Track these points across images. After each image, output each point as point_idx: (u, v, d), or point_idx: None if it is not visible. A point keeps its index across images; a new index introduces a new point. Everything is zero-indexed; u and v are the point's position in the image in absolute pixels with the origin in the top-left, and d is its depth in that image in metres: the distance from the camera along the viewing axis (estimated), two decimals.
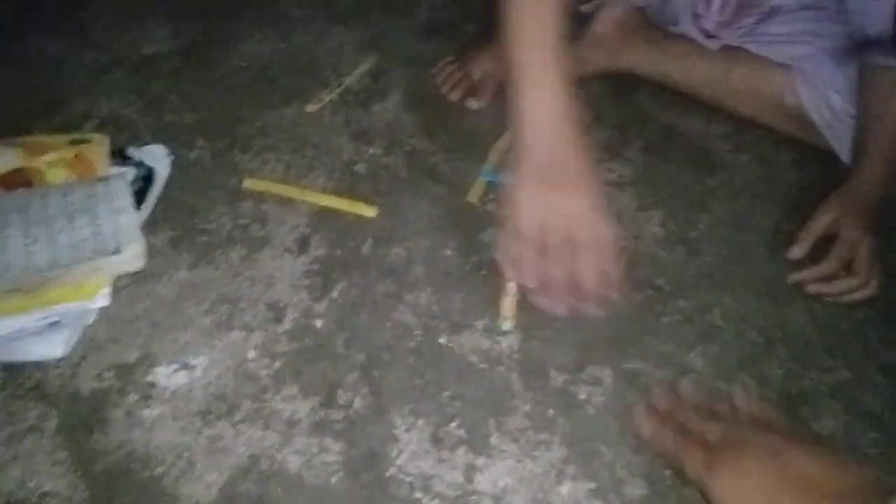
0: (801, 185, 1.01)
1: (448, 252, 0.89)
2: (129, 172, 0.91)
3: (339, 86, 1.10)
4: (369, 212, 0.93)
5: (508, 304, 0.82)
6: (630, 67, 1.11)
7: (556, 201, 0.70)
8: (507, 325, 0.81)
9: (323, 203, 0.93)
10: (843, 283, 0.86)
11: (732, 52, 1.05)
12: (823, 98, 0.98)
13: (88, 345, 0.78)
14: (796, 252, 0.89)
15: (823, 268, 0.86)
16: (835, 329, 0.85)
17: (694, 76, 1.08)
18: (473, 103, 1.07)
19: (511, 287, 0.82)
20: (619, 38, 1.11)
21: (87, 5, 1.25)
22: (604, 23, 1.11)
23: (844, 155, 0.97)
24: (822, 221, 0.89)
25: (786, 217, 0.96)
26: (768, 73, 1.03)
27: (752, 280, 0.89)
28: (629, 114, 1.10)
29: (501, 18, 0.72)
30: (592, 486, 0.69)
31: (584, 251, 0.70)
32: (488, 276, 0.86)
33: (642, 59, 1.11)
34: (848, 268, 0.86)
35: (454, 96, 1.08)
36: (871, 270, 0.86)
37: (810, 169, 1.03)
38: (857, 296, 0.86)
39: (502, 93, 1.07)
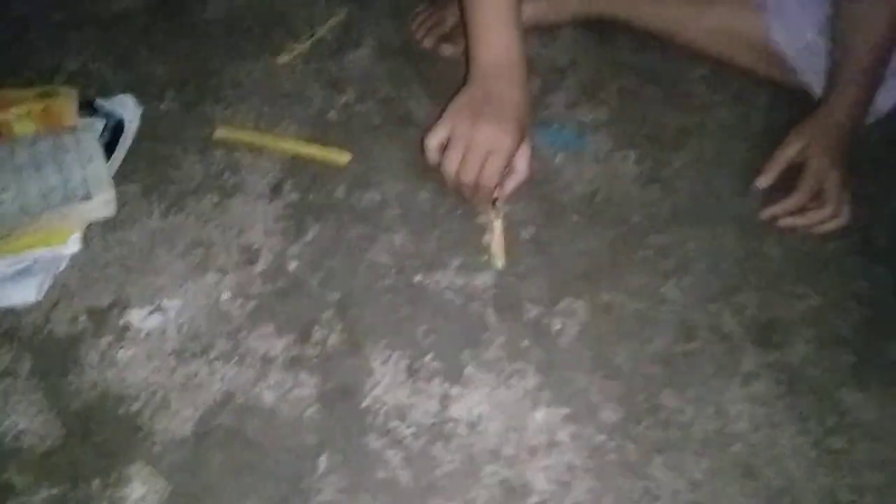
0: (776, 124, 1.01)
1: (423, 194, 0.89)
2: (98, 123, 0.90)
3: (311, 37, 1.09)
4: (343, 158, 0.92)
5: (497, 241, 0.82)
6: (605, 12, 1.10)
7: (483, 131, 0.80)
8: (498, 262, 0.81)
9: (296, 150, 0.93)
10: (814, 215, 0.86)
11: None
12: (798, 34, 0.98)
13: (61, 290, 0.77)
14: (762, 181, 0.90)
15: (793, 200, 0.87)
16: (807, 259, 0.85)
17: (669, 18, 1.08)
18: (447, 49, 1.07)
19: (497, 225, 0.83)
20: None
21: None
22: None
23: (817, 89, 0.97)
24: (788, 151, 0.90)
25: (760, 155, 0.96)
26: (742, 12, 1.02)
27: (726, 215, 0.89)
28: (606, 58, 1.09)
29: None
30: (567, 411, 0.70)
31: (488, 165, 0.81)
32: (464, 216, 0.86)
33: (617, 3, 1.10)
34: (818, 199, 0.87)
35: (428, 43, 1.07)
36: (840, 200, 0.86)
37: (785, 109, 1.03)
38: (829, 226, 0.86)
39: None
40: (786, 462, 0.68)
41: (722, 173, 0.94)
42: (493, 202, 0.85)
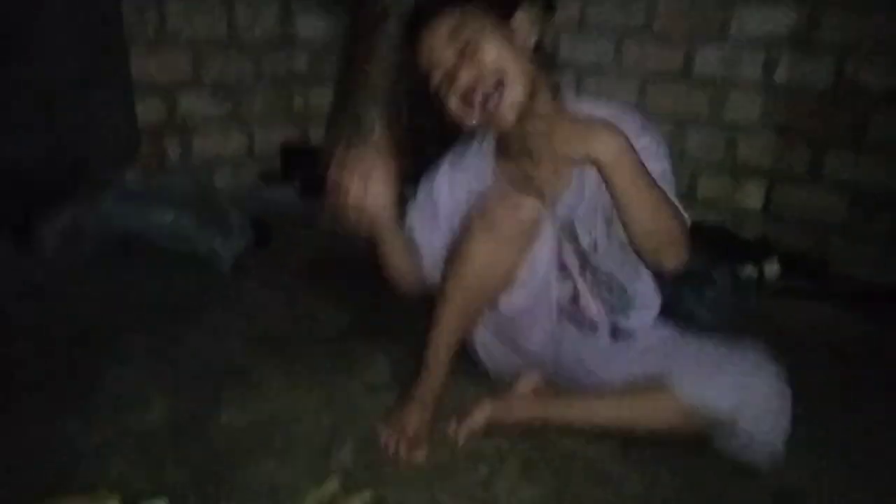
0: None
1: None
2: None
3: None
4: None
5: None
6: (547, 415, 1.40)
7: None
8: None
9: None
10: None
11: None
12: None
13: None
14: None
15: None
16: None
17: (599, 406, 1.38)
18: (419, 454, 1.33)
19: None
20: (535, 396, 1.45)
21: (94, 388, 1.52)
22: (523, 385, 1.46)
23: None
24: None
25: None
26: (650, 381, 1.32)
27: None
28: (538, 443, 1.39)
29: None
30: None
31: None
32: None
33: (557, 404, 1.41)
34: None
35: (403, 454, 1.32)
36: None
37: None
38: None
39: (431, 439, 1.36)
40: None
41: None
42: None
